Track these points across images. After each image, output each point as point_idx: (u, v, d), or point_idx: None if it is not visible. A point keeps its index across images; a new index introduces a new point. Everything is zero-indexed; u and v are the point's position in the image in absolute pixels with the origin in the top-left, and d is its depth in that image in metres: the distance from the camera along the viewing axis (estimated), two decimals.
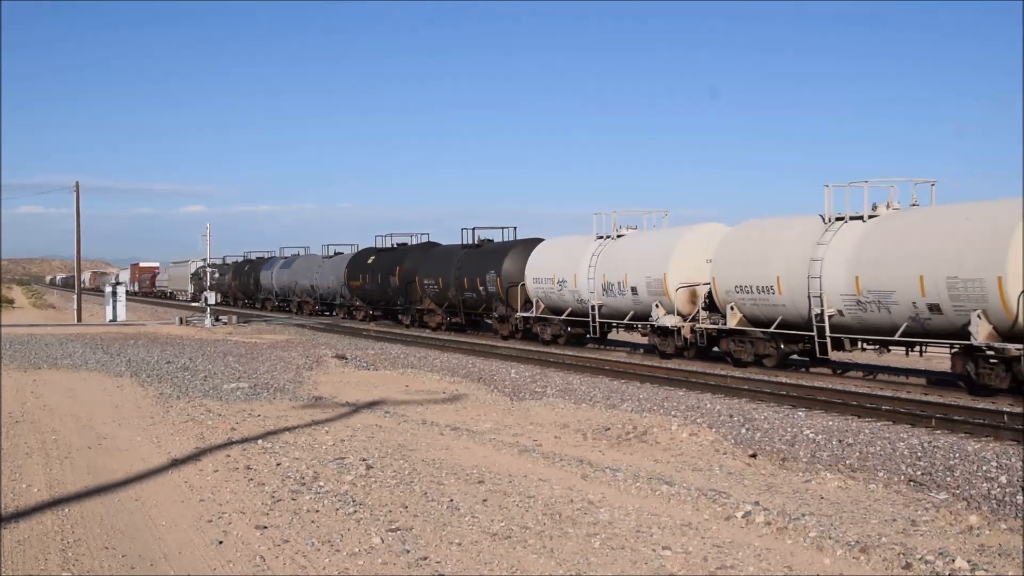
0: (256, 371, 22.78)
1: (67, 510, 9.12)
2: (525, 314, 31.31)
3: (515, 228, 36.40)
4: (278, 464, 11.22)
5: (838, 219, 20.90)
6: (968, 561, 7.44)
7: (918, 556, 7.51)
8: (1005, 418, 14.45)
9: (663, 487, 10.01)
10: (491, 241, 36.39)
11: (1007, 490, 10.45)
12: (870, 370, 22.07)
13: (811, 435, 13.77)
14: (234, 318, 46.02)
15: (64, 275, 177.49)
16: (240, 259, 70.73)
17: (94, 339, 33.05)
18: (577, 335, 29.89)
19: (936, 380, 19.81)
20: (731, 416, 15.54)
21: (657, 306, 25.40)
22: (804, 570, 7.35)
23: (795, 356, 22.66)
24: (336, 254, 52.54)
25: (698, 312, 24.43)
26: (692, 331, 24.32)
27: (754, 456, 12.64)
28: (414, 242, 42.46)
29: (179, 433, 13.55)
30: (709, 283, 23.91)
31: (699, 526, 8.58)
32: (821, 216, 21.38)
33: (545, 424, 15.01)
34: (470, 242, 36.81)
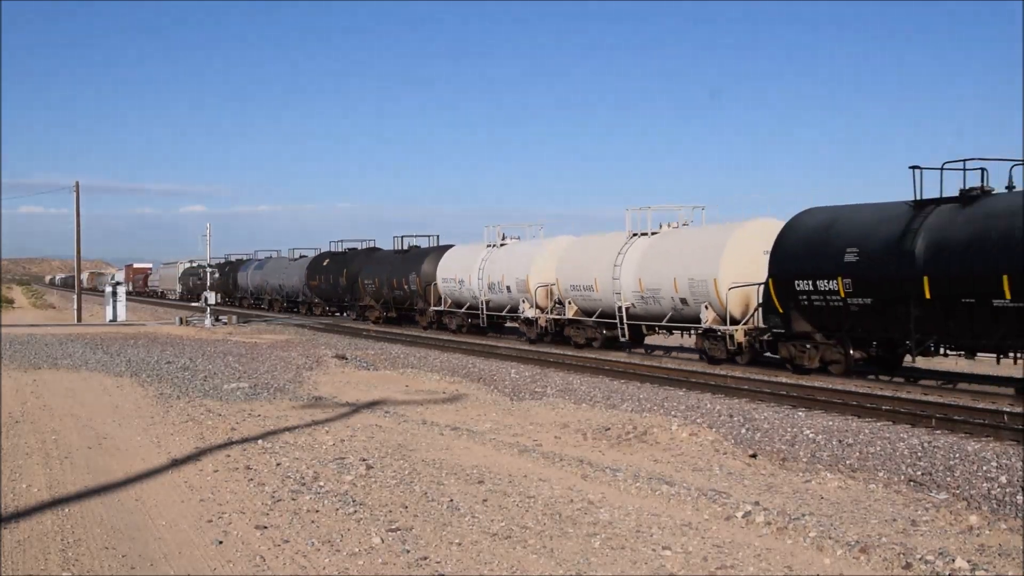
0: (256, 371, 22.79)
1: (67, 510, 9.12)
2: (437, 308, 37.83)
3: (438, 236, 42.30)
4: (278, 464, 11.23)
5: (634, 235, 27.44)
6: (968, 561, 7.44)
7: (918, 556, 7.51)
8: (1005, 418, 14.46)
9: (663, 487, 10.01)
10: (418, 247, 41.95)
11: (1007, 490, 10.45)
12: (668, 350, 29.07)
13: (811, 435, 13.77)
14: (234, 318, 46.06)
15: (63, 275, 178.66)
16: (222, 261, 76.11)
17: (94, 339, 33.06)
18: (476, 325, 35.48)
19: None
20: (731, 416, 15.54)
21: (524, 301, 31.73)
22: (804, 570, 7.35)
23: (623, 340, 27.71)
24: (300, 257, 57.96)
25: (553, 306, 30.74)
26: (546, 320, 30.66)
27: (754, 456, 12.64)
28: (361, 247, 49.15)
29: (179, 433, 13.56)
30: (554, 283, 30.35)
31: (699, 526, 8.58)
32: (626, 232, 27.99)
33: (545, 424, 15.01)
34: (401, 248, 43.21)
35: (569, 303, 29.40)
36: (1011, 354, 17.53)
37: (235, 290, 68.37)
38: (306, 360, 25.95)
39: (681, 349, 28.79)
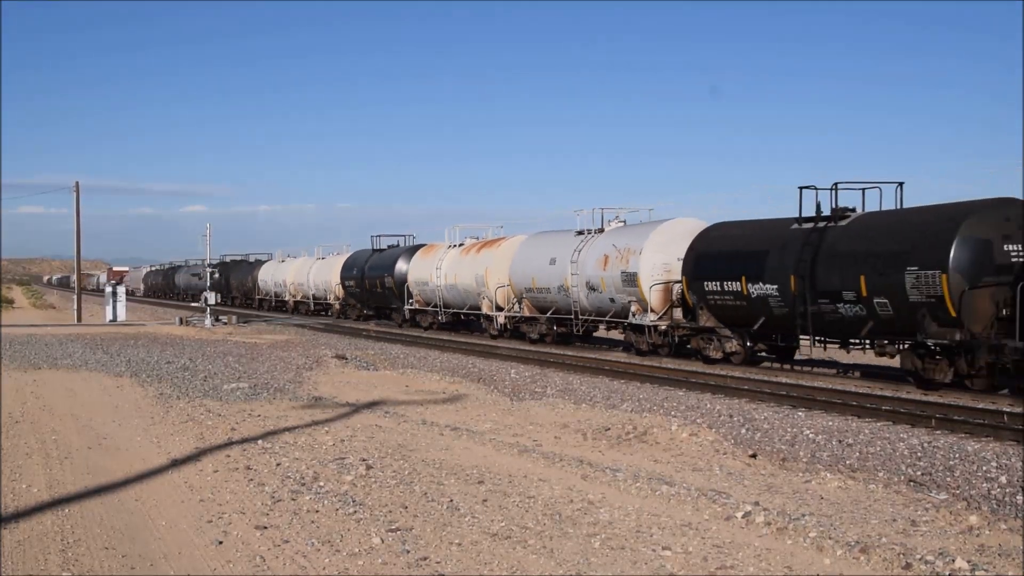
0: (256, 371, 22.78)
1: (67, 510, 9.12)
2: (259, 296, 64.40)
3: (271, 254, 69.93)
4: (278, 464, 11.22)
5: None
6: (968, 561, 7.44)
7: (918, 556, 7.51)
8: (1005, 418, 14.48)
9: (663, 487, 10.01)
10: (259, 260, 70.07)
11: (1007, 490, 10.45)
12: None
13: (811, 435, 13.77)
14: (234, 318, 46.10)
15: (59, 276, 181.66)
16: (168, 266, 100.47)
17: (94, 339, 33.05)
18: (274, 307, 60.79)
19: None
20: (731, 416, 15.54)
21: (287, 294, 58.00)
22: (804, 570, 7.35)
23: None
24: (212, 264, 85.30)
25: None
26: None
27: (754, 456, 12.64)
28: (241, 258, 77.10)
29: (179, 433, 13.55)
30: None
31: (699, 526, 8.57)
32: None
33: (545, 424, 15.01)
34: (248, 260, 72.54)
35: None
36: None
37: (173, 287, 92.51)
38: (306, 360, 25.95)
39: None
